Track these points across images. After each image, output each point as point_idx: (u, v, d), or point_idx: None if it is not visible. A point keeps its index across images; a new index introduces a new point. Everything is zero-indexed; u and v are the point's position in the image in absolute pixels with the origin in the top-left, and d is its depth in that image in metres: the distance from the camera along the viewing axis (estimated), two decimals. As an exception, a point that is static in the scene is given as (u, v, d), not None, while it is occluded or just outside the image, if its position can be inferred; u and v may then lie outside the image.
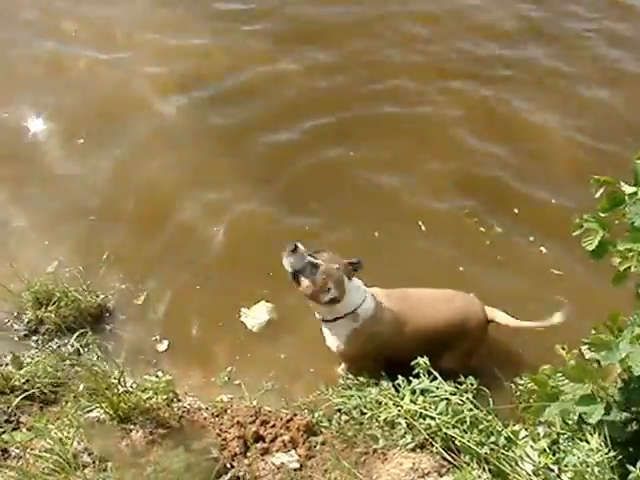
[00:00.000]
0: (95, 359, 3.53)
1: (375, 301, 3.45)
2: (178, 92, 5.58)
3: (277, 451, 3.05)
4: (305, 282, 3.32)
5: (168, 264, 4.36)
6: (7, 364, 3.51)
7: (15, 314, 3.97)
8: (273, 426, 3.16)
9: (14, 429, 3.00)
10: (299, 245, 3.36)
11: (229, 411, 3.44)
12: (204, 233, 4.55)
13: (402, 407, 2.68)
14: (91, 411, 3.07)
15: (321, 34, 6.18)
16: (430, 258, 4.35)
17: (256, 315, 4.12)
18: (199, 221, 4.62)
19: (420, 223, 4.60)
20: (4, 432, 2.99)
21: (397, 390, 2.95)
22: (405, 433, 2.69)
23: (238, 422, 3.28)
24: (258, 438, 3.14)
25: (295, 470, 2.91)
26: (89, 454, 2.81)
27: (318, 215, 4.64)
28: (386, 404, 2.74)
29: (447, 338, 3.50)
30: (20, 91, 5.56)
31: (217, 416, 3.41)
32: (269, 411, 3.25)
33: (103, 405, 2.96)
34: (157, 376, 3.30)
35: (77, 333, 3.47)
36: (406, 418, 2.68)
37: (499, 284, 4.16)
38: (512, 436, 2.62)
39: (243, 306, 4.15)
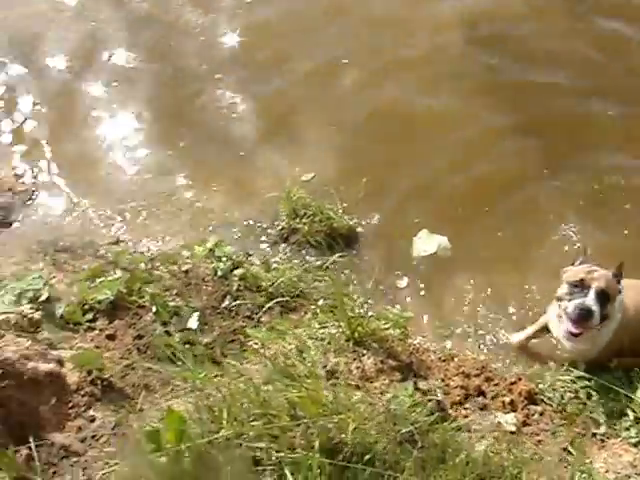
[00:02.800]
0: (340, 278, 4.00)
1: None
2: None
3: (496, 410, 3.29)
4: (596, 319, 3.28)
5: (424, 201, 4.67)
6: (256, 265, 4.17)
7: (269, 221, 4.61)
8: (496, 385, 3.42)
9: (255, 326, 3.63)
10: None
11: (456, 359, 3.76)
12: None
13: (633, 399, 2.75)
14: (327, 327, 3.55)
15: None
16: None
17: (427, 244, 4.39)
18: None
19: None
20: (245, 326, 3.65)
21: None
22: (630, 426, 2.76)
23: (463, 372, 3.58)
24: (480, 392, 3.41)
25: (511, 433, 3.14)
26: (323, 367, 3.21)
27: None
28: (617, 393, 2.83)
29: None
30: None
31: (444, 361, 3.75)
32: (494, 369, 3.50)
33: (341, 323, 3.41)
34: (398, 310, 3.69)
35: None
36: (635, 411, 2.74)
37: None
38: None
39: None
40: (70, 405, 3.22)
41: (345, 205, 4.64)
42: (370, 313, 3.83)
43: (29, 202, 4.86)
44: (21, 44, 6.00)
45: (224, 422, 2.39)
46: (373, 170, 4.86)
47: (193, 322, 3.50)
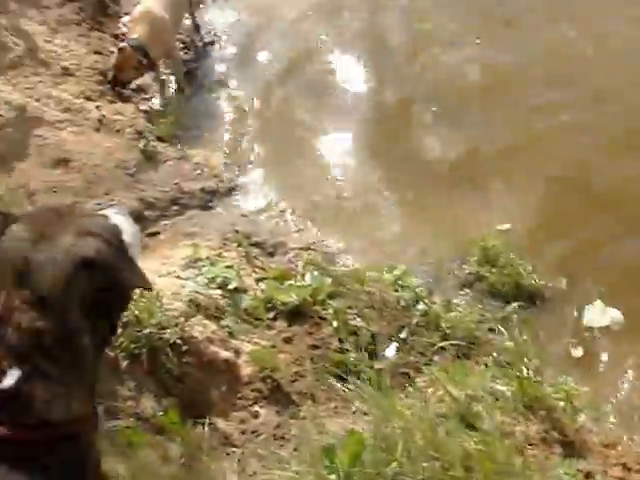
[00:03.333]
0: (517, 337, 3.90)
1: None
2: None
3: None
4: None
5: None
6: (438, 303, 4.15)
7: (458, 262, 4.58)
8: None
9: (427, 364, 3.61)
10: None
11: (619, 447, 3.55)
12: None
13: None
14: (497, 382, 3.47)
15: None
16: None
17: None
18: None
19: None
20: (417, 362, 3.64)
21: None
22: None
23: (625, 464, 3.37)
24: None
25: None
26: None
27: None
28: None
29: None
30: None
31: (606, 446, 3.55)
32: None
33: (513, 382, 3.33)
34: (571, 382, 3.55)
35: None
36: None
37: None
38: None
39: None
40: (239, 396, 3.36)
41: (535, 262, 4.51)
42: (542, 378, 3.72)
43: (232, 191, 5.13)
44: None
45: (397, 455, 2.39)
46: (574, 232, 4.73)
47: (391, 351, 3.54)
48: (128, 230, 1.59)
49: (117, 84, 5.71)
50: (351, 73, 6.15)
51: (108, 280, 1.40)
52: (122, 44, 5.60)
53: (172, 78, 6.07)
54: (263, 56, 6.40)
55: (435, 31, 6.26)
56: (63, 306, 1.34)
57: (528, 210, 4.91)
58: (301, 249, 4.52)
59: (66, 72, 5.63)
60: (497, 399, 3.38)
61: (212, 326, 3.46)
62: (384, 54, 6.24)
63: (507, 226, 4.79)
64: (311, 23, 6.57)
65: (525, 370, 3.51)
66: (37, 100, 5.23)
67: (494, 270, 4.35)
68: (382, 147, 5.42)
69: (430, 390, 3.45)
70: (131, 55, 5.47)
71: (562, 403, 3.58)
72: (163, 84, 5.96)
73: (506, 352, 3.74)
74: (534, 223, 4.85)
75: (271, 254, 4.48)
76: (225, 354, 3.38)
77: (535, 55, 5.89)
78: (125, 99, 5.80)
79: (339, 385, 3.27)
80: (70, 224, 1.43)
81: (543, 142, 5.32)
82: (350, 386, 3.21)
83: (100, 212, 1.66)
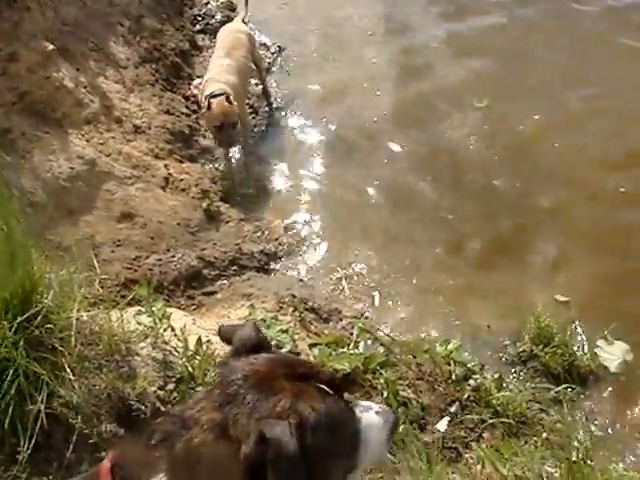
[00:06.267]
0: (567, 418, 3.95)
1: None
2: None
3: None
4: None
5: None
6: (489, 379, 4.20)
7: (510, 339, 4.66)
8: None
9: (476, 440, 3.67)
10: None
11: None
12: None
13: None
14: (546, 463, 3.51)
15: None
16: None
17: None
18: None
19: None
20: (466, 437, 3.70)
21: None
22: None
23: None
24: None
25: None
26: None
27: None
28: None
29: None
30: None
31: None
32: None
33: (562, 464, 3.37)
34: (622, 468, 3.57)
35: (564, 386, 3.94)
36: None
37: None
38: None
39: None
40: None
41: (590, 342, 4.58)
42: (592, 461, 3.73)
43: (290, 255, 5.31)
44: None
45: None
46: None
47: (442, 425, 3.62)
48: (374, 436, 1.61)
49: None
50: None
51: None
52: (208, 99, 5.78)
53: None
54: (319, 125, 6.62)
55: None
56: None
57: (594, 289, 4.98)
58: (355, 317, 4.65)
59: (137, 130, 5.93)
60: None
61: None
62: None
63: (565, 298, 4.87)
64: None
65: (575, 453, 3.55)
66: (108, 155, 5.50)
67: (547, 350, 4.40)
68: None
69: (478, 467, 3.50)
70: (221, 101, 5.67)
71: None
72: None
73: (556, 433, 3.78)
74: (596, 303, 4.90)
75: (326, 320, 4.60)
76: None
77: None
78: (192, 159, 6.07)
79: (387, 456, 3.33)
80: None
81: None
82: (398, 458, 3.27)
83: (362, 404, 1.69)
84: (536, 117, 6.38)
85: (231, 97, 5.70)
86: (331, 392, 1.50)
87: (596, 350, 4.54)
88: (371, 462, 1.69)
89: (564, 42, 7.11)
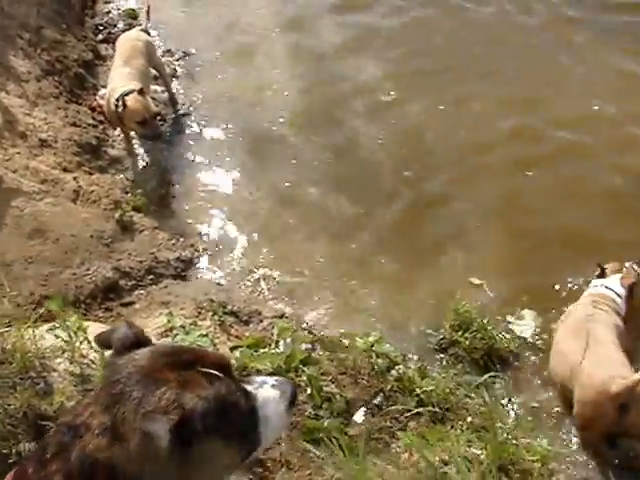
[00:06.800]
0: (489, 400, 4.00)
1: None
2: None
3: None
4: None
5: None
6: (412, 368, 4.24)
7: (431, 327, 4.72)
8: None
9: (402, 429, 3.68)
10: None
11: None
12: None
13: None
14: (472, 446, 3.55)
15: None
16: None
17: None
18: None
19: None
20: (392, 427, 3.72)
21: None
22: None
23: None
24: None
25: None
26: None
27: None
28: None
29: None
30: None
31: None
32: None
33: (487, 446, 3.42)
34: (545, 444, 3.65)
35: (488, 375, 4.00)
36: None
37: None
38: None
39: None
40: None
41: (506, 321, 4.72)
42: (518, 441, 3.80)
43: (207, 261, 5.24)
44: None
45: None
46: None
47: (359, 416, 3.62)
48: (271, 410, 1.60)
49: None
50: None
51: None
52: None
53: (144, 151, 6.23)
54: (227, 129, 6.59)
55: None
56: None
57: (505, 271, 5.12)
58: (275, 317, 4.62)
59: (43, 144, 5.77)
60: (472, 463, 3.46)
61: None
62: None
63: (480, 281, 5.00)
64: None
65: (500, 433, 3.61)
66: (14, 171, 5.33)
67: (467, 335, 4.47)
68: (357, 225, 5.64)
69: (405, 455, 3.52)
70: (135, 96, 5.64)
71: (537, 465, 3.68)
72: (135, 155, 6.16)
73: (481, 416, 3.83)
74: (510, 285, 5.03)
75: (246, 322, 4.57)
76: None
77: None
78: (102, 170, 5.94)
79: (313, 451, 3.32)
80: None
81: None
82: (324, 452, 3.26)
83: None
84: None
85: (143, 90, 5.68)
86: (219, 375, 1.48)
87: (510, 325, 4.71)
88: (276, 435, 1.70)
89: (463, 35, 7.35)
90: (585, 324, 4.16)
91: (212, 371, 1.48)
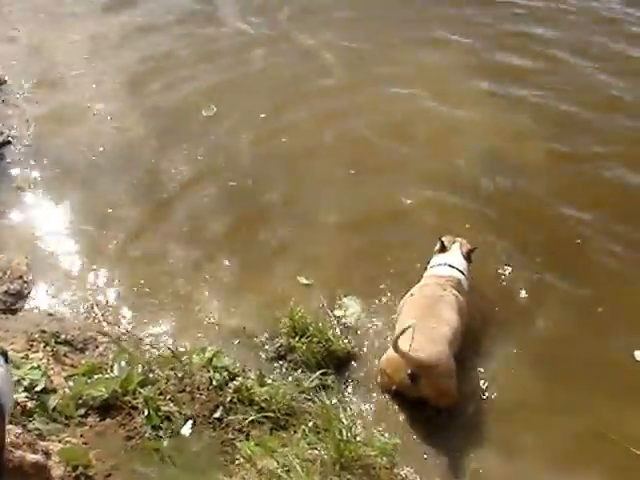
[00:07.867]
0: (331, 402, 4.11)
1: None
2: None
3: None
4: None
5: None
6: (251, 378, 4.28)
7: (268, 336, 4.74)
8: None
9: (244, 440, 3.72)
10: None
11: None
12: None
13: None
14: (316, 448, 3.65)
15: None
16: None
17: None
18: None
19: None
20: (235, 439, 3.75)
21: None
22: None
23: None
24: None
25: None
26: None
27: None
28: None
29: None
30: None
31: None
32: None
33: (329, 446, 3.53)
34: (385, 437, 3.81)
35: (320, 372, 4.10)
36: None
37: None
38: None
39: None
40: (53, 498, 3.29)
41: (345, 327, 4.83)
42: (359, 438, 3.93)
43: (38, 292, 5.05)
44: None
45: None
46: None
47: (186, 429, 3.62)
48: None
49: None
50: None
51: None
52: None
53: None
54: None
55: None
56: None
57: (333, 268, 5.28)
58: (111, 342, 4.51)
59: None
60: (313, 464, 3.56)
61: (16, 430, 3.39)
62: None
63: (309, 281, 5.13)
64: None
65: (342, 432, 3.73)
66: None
67: (304, 340, 4.53)
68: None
69: (248, 465, 3.56)
70: None
71: (379, 459, 3.83)
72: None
73: (322, 418, 3.92)
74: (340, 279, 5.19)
75: (82, 350, 4.43)
76: (33, 457, 3.29)
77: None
78: None
79: (154, 474, 3.30)
80: None
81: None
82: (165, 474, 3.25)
83: None
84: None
85: None
86: None
87: (338, 314, 4.88)
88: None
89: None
90: (433, 302, 4.45)
91: None
